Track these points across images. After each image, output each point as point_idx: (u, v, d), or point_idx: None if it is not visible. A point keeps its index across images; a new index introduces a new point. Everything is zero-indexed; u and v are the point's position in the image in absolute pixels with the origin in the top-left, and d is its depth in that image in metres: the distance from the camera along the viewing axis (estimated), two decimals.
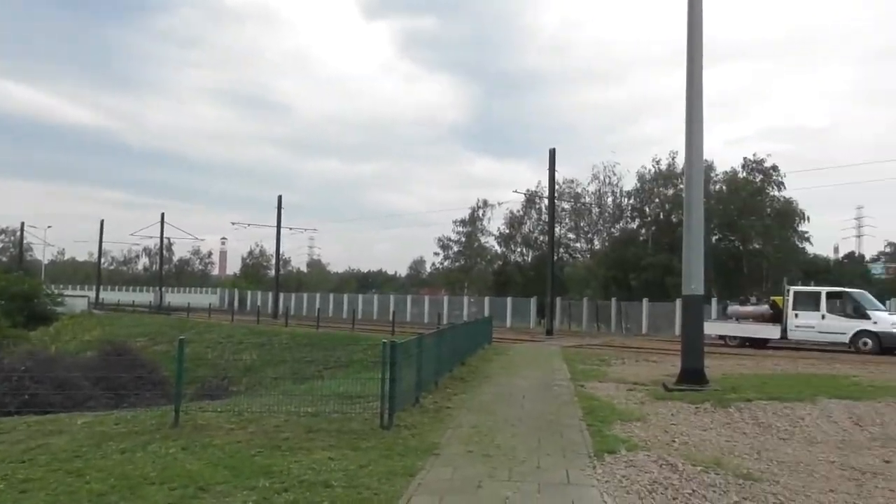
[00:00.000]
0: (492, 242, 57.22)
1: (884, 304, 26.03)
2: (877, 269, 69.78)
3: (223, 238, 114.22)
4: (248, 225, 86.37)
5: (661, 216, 43.50)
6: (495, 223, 65.08)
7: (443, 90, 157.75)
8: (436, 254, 60.69)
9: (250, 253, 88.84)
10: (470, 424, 8.51)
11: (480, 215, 57.31)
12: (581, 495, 5.49)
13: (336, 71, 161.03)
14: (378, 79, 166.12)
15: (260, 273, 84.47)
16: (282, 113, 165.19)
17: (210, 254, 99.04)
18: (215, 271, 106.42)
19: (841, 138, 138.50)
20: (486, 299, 42.59)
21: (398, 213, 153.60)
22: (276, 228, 45.69)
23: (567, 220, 51.51)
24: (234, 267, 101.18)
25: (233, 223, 45.88)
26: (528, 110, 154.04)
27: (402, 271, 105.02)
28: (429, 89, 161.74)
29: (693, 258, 12.36)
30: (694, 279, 12.30)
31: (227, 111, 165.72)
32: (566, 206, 50.58)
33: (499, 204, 56.26)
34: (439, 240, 58.84)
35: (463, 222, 57.82)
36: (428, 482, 5.82)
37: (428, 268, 78.83)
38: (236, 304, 57.56)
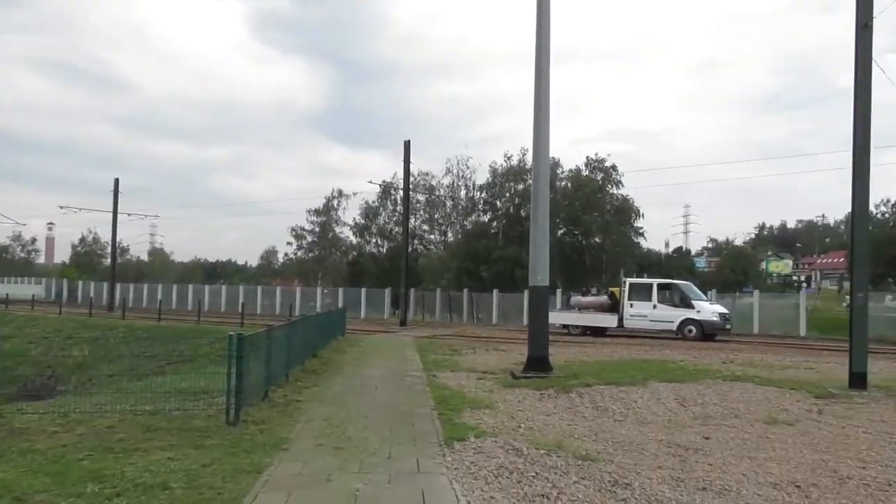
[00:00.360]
0: (347, 233, 56.69)
1: (706, 295, 28.61)
2: (701, 263, 76.78)
3: (50, 223, 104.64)
4: (80, 210, 79.51)
5: (512, 210, 45.09)
6: (350, 213, 64.64)
7: (298, 75, 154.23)
8: (289, 244, 59.18)
9: (82, 240, 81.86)
10: (321, 417, 8.35)
11: (335, 205, 56.60)
12: (430, 483, 5.54)
13: (182, 48, 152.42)
14: (229, 60, 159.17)
15: (94, 262, 78.06)
16: (118, 89, 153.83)
17: (34, 240, 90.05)
18: (41, 259, 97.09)
19: (672, 142, 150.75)
20: (341, 290, 42.14)
21: (249, 201, 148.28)
22: (112, 214, 42.51)
23: (422, 212, 52.09)
24: (63, 255, 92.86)
25: (61, 207, 42.03)
26: (383, 101, 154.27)
27: (253, 261, 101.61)
28: (283, 73, 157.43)
29: (539, 251, 12.90)
30: (540, 271, 12.84)
31: (56, 83, 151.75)
32: (421, 198, 51.16)
33: (354, 194, 55.74)
34: (293, 229, 57.44)
35: (317, 212, 56.80)
36: (276, 478, 5.63)
37: (280, 258, 76.60)
38: (65, 295, 52.80)
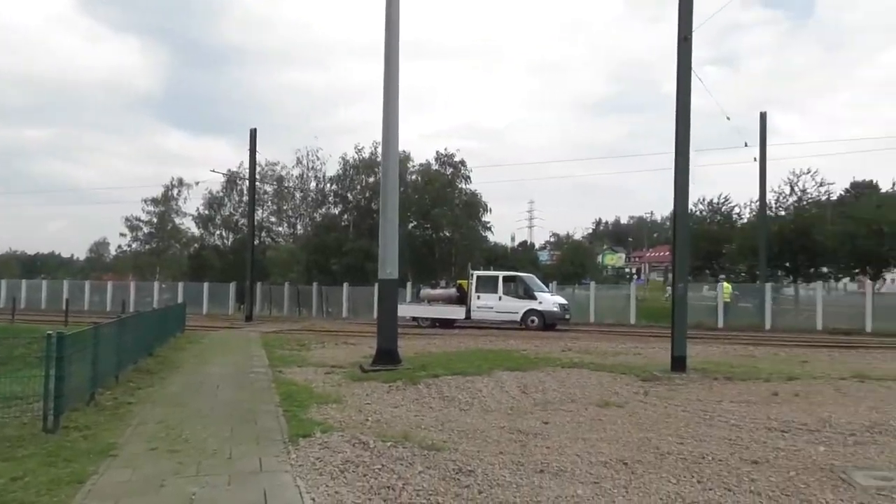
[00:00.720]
0: (188, 224, 53.74)
1: (548, 287, 30.07)
2: (544, 256, 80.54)
3: None
4: None
5: (363, 203, 44.90)
6: (193, 203, 61.30)
7: (132, 54, 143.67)
8: (122, 235, 55.20)
9: None
10: (155, 420, 7.83)
11: (175, 194, 53.49)
12: (273, 482, 5.36)
13: None
14: (52, 33, 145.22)
15: None
16: None
17: None
18: None
19: (517, 139, 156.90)
20: (180, 285, 39.87)
21: (77, 188, 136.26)
22: None
23: (270, 204, 50.54)
24: None
25: None
26: (227, 86, 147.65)
27: (81, 254, 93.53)
28: (115, 51, 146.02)
29: (388, 244, 12.91)
30: (389, 264, 12.87)
31: None
32: (269, 188, 49.63)
33: (196, 183, 52.74)
34: (127, 220, 53.62)
35: (155, 201, 53.42)
36: (101, 487, 5.19)
37: (112, 251, 70.98)
38: None
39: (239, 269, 38.48)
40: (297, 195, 50.01)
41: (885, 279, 36.82)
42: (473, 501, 4.92)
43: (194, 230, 53.27)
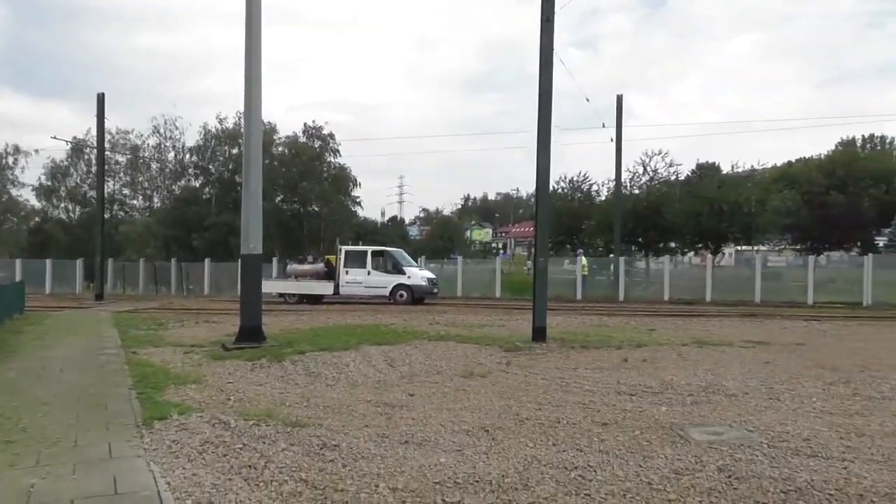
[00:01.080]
0: (27, 196, 49.15)
1: (416, 262, 30.37)
2: (414, 231, 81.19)
3: None
4: None
5: (226, 175, 43.08)
6: (32, 173, 56.21)
7: None
8: None
9: None
10: None
11: (11, 163, 48.60)
12: (125, 467, 5.08)
13: None
14: None
15: None
16: None
17: None
18: None
19: (388, 114, 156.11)
20: (18, 262, 36.51)
21: None
22: None
23: (123, 175, 47.28)
24: None
25: None
26: (70, 46, 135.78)
27: None
28: None
29: (252, 218, 12.47)
30: (252, 238, 12.45)
31: None
32: (121, 158, 46.37)
33: (36, 151, 48.09)
34: None
35: None
36: None
37: None
38: None
39: (88, 245, 35.82)
40: (154, 166, 47.13)
41: (723, 253, 40.27)
42: (337, 475, 4.91)
43: (34, 202, 48.88)
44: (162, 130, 45.76)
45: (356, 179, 45.81)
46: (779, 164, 57.65)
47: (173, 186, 46.37)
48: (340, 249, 27.32)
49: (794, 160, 62.18)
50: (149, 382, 8.72)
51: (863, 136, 71.41)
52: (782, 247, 49.16)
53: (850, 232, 39.27)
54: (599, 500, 4.44)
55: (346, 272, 26.54)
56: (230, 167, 42.60)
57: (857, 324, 18.24)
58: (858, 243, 40.48)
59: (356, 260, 26.86)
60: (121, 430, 6.24)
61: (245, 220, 12.55)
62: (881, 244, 43.81)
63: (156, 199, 48.15)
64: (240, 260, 12.92)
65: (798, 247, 45.28)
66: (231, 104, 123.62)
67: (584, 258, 31.27)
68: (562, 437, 6.08)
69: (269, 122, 43.78)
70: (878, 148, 69.71)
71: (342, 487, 4.62)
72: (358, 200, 47.39)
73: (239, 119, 41.98)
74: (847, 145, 67.31)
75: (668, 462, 5.28)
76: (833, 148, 65.26)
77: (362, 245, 31.38)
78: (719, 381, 8.84)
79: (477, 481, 4.78)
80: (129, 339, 13.67)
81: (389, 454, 5.46)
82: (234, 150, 42.01)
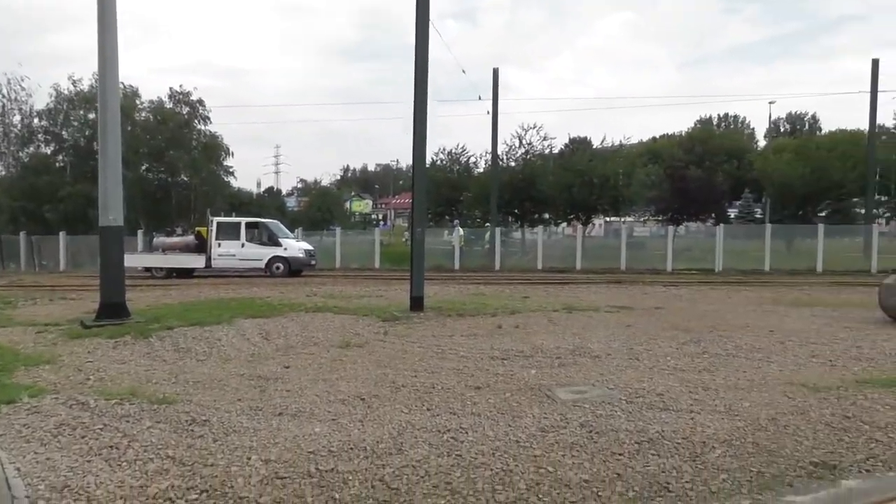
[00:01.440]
0: None
1: (293, 233, 29.71)
2: (291, 202, 79.25)
3: None
4: None
5: (83, 142, 39.92)
6: None
7: None
8: None
9: None
10: None
11: None
12: None
13: None
14: None
15: None
16: None
17: None
18: None
19: (262, 81, 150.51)
20: None
21: None
22: None
23: None
24: None
25: None
26: None
27: None
28: None
29: (110, 187, 11.67)
30: (112, 209, 11.67)
31: None
32: None
33: None
34: None
35: None
36: None
37: None
38: None
39: None
40: None
41: (594, 224, 42.24)
42: (207, 451, 4.78)
43: None
44: (5, 91, 41.62)
45: (228, 148, 43.89)
46: (644, 140, 60.97)
47: (20, 153, 42.47)
48: (212, 221, 26.23)
49: (658, 136, 66.02)
50: None
51: (718, 115, 76.95)
52: (646, 218, 52.28)
53: (706, 204, 42.32)
54: (470, 459, 4.60)
55: (219, 244, 25.55)
56: (87, 133, 39.45)
57: (709, 288, 19.78)
58: (713, 215, 43.71)
59: (229, 232, 25.90)
60: None
61: (103, 189, 11.73)
62: (732, 216, 47.63)
63: (0, 168, 43.97)
64: (99, 232, 12.10)
65: (660, 218, 48.28)
66: (88, 64, 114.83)
67: (460, 229, 31.80)
68: (436, 402, 6.22)
69: (131, 86, 40.94)
70: (732, 126, 75.35)
71: (212, 462, 4.51)
72: (231, 170, 45.49)
73: (95, 80, 38.96)
74: (704, 123, 72.31)
75: (535, 421, 5.55)
76: (692, 126, 69.97)
77: (236, 217, 30.26)
78: (585, 344, 9.34)
79: (351, 448, 4.82)
80: None
81: (263, 427, 5.38)
82: (91, 115, 38.97)
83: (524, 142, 36.87)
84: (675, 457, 4.68)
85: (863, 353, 8.83)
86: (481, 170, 39.40)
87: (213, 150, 42.88)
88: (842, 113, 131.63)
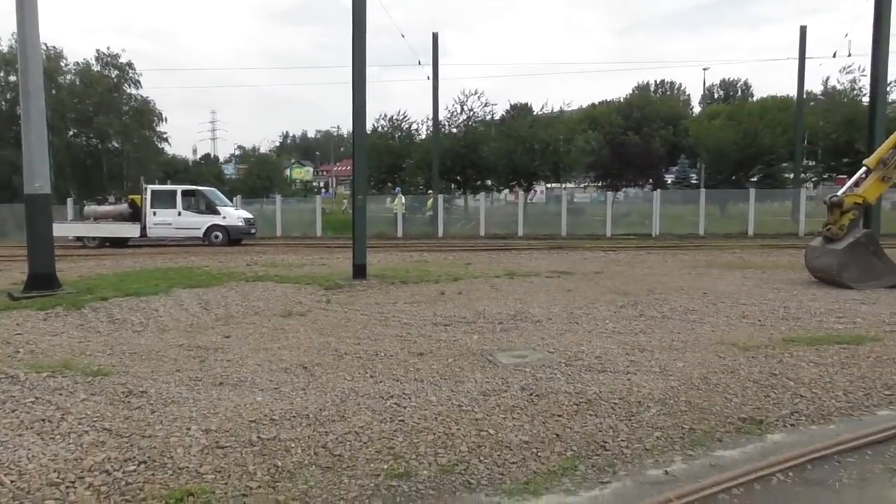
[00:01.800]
0: None
1: (232, 201, 29.06)
2: (229, 170, 77.26)
3: None
4: None
5: (5, 106, 37.92)
6: None
7: None
8: None
9: None
10: None
11: None
12: None
13: None
14: None
15: None
16: None
17: None
18: None
19: (195, 44, 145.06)
20: None
21: None
22: None
23: None
24: None
25: None
26: None
27: None
28: None
29: (35, 154, 11.12)
30: (38, 177, 11.14)
31: None
32: None
33: None
34: None
35: None
36: None
37: None
38: None
39: None
40: None
41: (535, 191, 42.66)
42: (145, 422, 4.69)
43: None
44: None
45: (161, 113, 42.45)
46: (584, 107, 61.62)
47: None
48: (146, 189, 25.41)
49: (597, 103, 66.81)
50: None
51: (655, 81, 78.23)
52: (586, 184, 53.09)
53: (643, 170, 43.13)
54: (412, 424, 4.65)
55: (154, 213, 24.81)
56: (8, 96, 37.48)
57: (646, 253, 20.31)
58: (651, 180, 44.66)
59: (165, 200, 25.15)
60: None
61: (28, 156, 11.18)
62: (669, 181, 48.79)
63: None
64: (25, 201, 11.55)
65: (600, 184, 49.12)
66: (6, 25, 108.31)
67: (402, 196, 31.65)
68: (379, 369, 6.24)
69: (54, 47, 38.99)
70: (668, 93, 76.75)
71: (150, 433, 4.43)
72: (165, 136, 44.03)
73: (15, 42, 36.86)
74: (642, 90, 73.46)
75: (477, 385, 5.63)
76: (630, 92, 70.99)
77: (171, 184, 29.37)
78: (527, 309, 9.50)
79: (294, 416, 4.80)
80: None
81: (203, 397, 5.31)
82: (13, 78, 36.95)
83: (465, 108, 36.78)
84: (612, 416, 4.84)
85: (790, 312, 9.25)
86: (423, 136, 39.20)
87: (145, 115, 41.39)
88: (773, 79, 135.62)
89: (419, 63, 32.44)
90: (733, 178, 39.71)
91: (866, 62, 18.68)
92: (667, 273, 14.44)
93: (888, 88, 24.33)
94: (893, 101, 31.18)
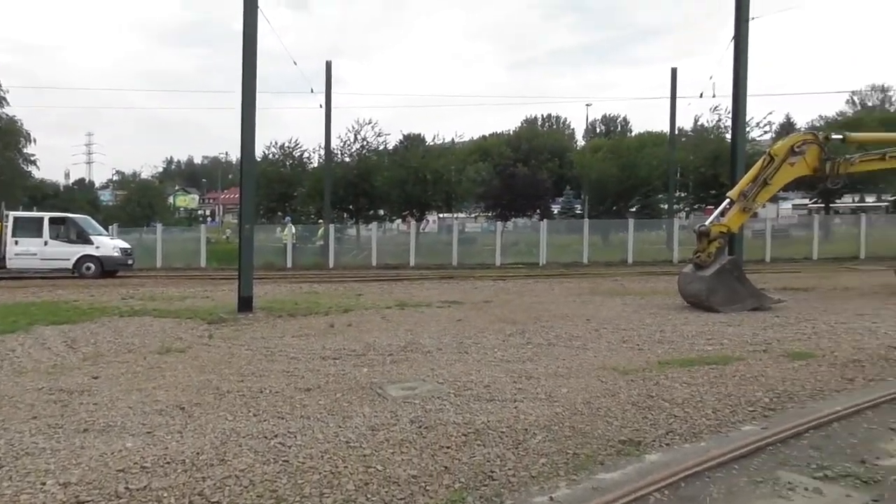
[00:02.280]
0: None
1: (107, 230, 27.41)
2: (106, 196, 73.13)
3: None
4: None
5: None
6: None
7: None
8: None
9: None
10: None
11: None
12: None
13: None
14: None
15: None
16: None
17: None
18: None
19: (70, 61, 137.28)
20: None
21: None
22: None
23: None
24: None
25: None
26: None
27: None
28: None
29: None
30: None
31: None
32: None
33: None
34: None
35: None
36: None
37: None
38: None
39: None
40: None
41: (427, 220, 42.98)
42: None
43: None
44: None
45: (30, 134, 39.74)
46: (475, 138, 63.09)
47: None
48: (7, 216, 23.50)
49: (487, 134, 68.60)
50: None
51: (542, 115, 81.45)
52: (477, 214, 54.12)
53: (531, 200, 44.49)
54: (297, 464, 4.47)
55: (16, 242, 22.95)
56: None
57: (534, 281, 20.86)
58: (538, 210, 46.12)
59: (30, 228, 23.34)
60: None
61: None
62: (556, 211, 50.59)
63: None
64: None
65: (490, 214, 50.20)
66: None
67: (292, 225, 30.99)
68: (263, 406, 5.99)
69: None
70: (554, 126, 80.00)
71: None
72: (32, 159, 41.24)
73: None
74: (530, 123, 76.25)
75: (365, 420, 5.51)
76: (519, 125, 73.47)
77: (37, 211, 27.36)
78: (417, 340, 9.46)
79: (168, 462, 4.50)
80: None
81: (63, 446, 4.87)
82: None
83: (359, 137, 36.71)
84: (500, 445, 4.85)
85: (665, 336, 9.74)
86: (315, 164, 38.70)
87: (11, 135, 38.63)
88: (650, 115, 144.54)
89: (312, 91, 32.16)
90: (614, 208, 41.73)
91: (729, 102, 20.17)
92: (553, 301, 14.86)
93: (747, 127, 26.39)
94: (753, 139, 33.83)
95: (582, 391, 6.42)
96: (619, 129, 77.81)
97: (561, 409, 5.76)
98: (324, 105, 31.90)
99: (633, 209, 42.40)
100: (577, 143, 73.40)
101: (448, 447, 4.82)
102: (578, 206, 50.58)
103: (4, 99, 38.33)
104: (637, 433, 5.15)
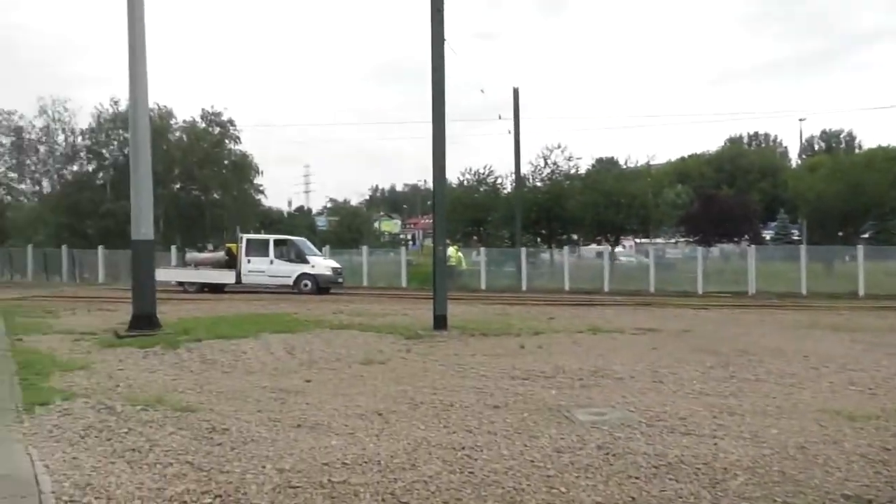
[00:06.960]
0: None
1: (321, 251, 30.02)
2: (322, 222, 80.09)
3: None
4: None
5: (122, 160, 40.97)
6: None
7: None
8: None
9: None
10: None
11: None
12: (1, 451, 4.94)
13: None
14: None
15: None
16: None
17: None
18: None
19: (293, 101, 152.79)
20: None
21: None
22: None
23: (8, 157, 44.11)
24: None
25: None
26: None
27: None
28: None
29: (142, 203, 12.03)
30: (143, 224, 12.02)
31: None
32: (5, 140, 43.28)
33: None
34: None
35: None
36: None
37: None
38: None
39: None
40: (42, 149, 44.15)
41: (623, 245, 41.91)
42: (224, 458, 4.87)
43: None
44: (50, 112, 42.89)
45: (258, 167, 44.70)
46: (672, 160, 60.49)
47: (64, 171, 43.69)
48: (241, 238, 26.69)
49: (686, 156, 65.41)
50: (33, 369, 8.38)
51: (748, 133, 75.93)
52: (677, 239, 51.65)
53: (738, 224, 41.65)
54: (482, 477, 4.59)
55: (248, 261, 25.97)
56: (126, 152, 40.51)
57: (741, 312, 19.42)
58: (747, 236, 43.00)
59: (258, 248, 26.32)
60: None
61: (136, 205, 12.09)
62: (768, 237, 46.75)
63: (45, 184, 45.24)
64: (131, 246, 12.44)
65: (691, 238, 47.71)
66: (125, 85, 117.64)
67: (451, 248, 30.51)
68: (453, 419, 6.22)
69: (164, 106, 42.03)
70: (763, 145, 74.14)
71: (228, 469, 4.60)
72: (261, 189, 46.30)
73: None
74: (734, 142, 71.39)
75: (551, 441, 5.51)
76: (722, 144, 69.12)
77: (264, 234, 30.74)
78: (609, 366, 9.25)
79: (366, 462, 4.85)
80: (15, 327, 12.99)
81: (280, 437, 5.46)
82: (129, 134, 39.99)
83: (549, 162, 36.82)
84: (694, 482, 4.57)
85: None
86: (508, 190, 39.40)
87: (244, 169, 43.69)
88: (880, 129, 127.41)
89: (500, 118, 32.97)
90: (840, 233, 37.55)
91: None
92: (763, 333, 13.72)
93: None
94: None
95: (795, 434, 5.76)
96: (842, 145, 70.31)
97: (769, 452, 5.24)
98: (512, 131, 32.48)
99: (866, 235, 37.82)
100: (791, 161, 67.49)
101: (636, 477, 4.65)
102: (796, 232, 46.26)
103: (238, 137, 43.58)
104: (866, 490, 4.44)
